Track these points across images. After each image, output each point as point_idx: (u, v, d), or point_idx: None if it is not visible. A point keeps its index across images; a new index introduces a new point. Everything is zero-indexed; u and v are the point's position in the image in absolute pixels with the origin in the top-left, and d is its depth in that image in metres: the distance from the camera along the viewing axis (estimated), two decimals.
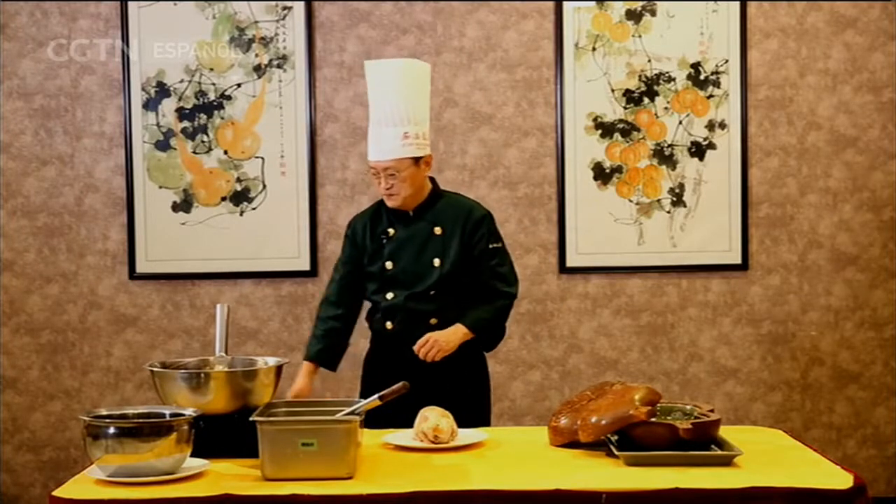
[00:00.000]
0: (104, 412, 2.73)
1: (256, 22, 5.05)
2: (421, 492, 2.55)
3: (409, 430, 3.08)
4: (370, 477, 2.67)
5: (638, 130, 5.08)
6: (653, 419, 2.80)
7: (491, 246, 3.60)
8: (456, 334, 3.52)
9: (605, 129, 5.08)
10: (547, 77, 5.09)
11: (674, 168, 5.09)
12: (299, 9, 5.05)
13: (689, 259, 5.10)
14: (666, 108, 5.08)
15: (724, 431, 2.91)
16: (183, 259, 5.10)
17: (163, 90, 5.07)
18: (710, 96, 5.07)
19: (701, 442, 2.80)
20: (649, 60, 5.07)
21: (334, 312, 3.61)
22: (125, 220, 5.10)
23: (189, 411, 2.73)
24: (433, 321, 3.54)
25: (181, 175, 5.09)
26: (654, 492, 2.54)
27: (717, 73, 5.07)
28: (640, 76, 5.06)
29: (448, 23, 5.10)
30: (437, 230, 3.56)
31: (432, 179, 3.64)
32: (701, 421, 2.84)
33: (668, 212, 5.09)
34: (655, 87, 5.07)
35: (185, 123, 5.07)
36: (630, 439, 2.82)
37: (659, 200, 5.10)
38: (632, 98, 5.07)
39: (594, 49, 5.06)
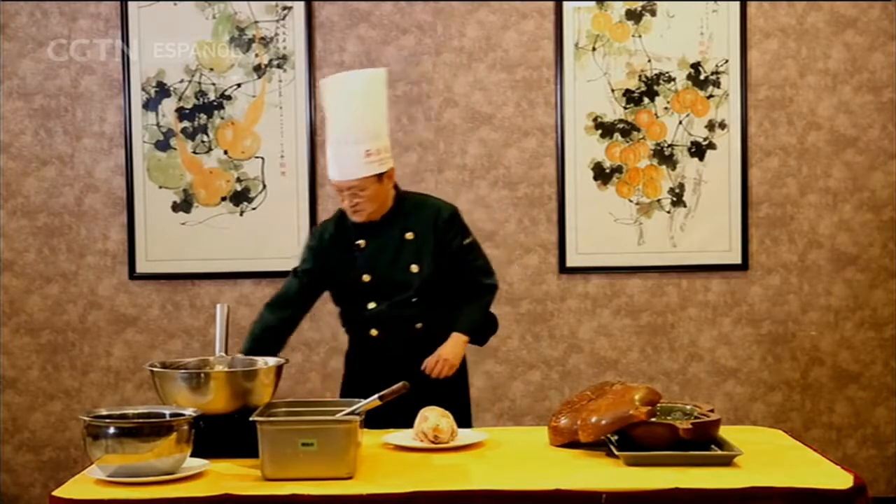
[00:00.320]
0: (104, 412, 2.73)
1: (256, 22, 5.05)
2: (421, 492, 2.55)
3: (409, 430, 3.08)
4: (370, 477, 2.67)
5: (638, 130, 5.08)
6: (653, 419, 2.80)
7: (465, 242, 3.60)
8: (459, 346, 3.54)
9: (605, 129, 5.08)
10: (547, 77, 5.09)
11: (674, 168, 5.09)
12: (299, 9, 5.05)
13: (689, 259, 5.10)
14: (666, 108, 5.08)
15: (724, 431, 2.91)
16: (183, 259, 5.10)
17: (163, 90, 5.07)
18: (710, 96, 5.07)
19: (701, 442, 2.80)
20: (649, 60, 5.07)
21: (279, 314, 3.53)
22: (125, 220, 5.10)
23: (189, 411, 2.73)
24: (419, 326, 3.54)
25: (181, 175, 5.09)
26: (654, 492, 2.54)
27: (717, 73, 5.07)
28: (640, 76, 5.07)
29: (448, 23, 5.10)
30: (409, 235, 3.53)
31: (395, 184, 3.59)
32: (701, 421, 2.84)
33: (668, 212, 5.09)
34: (655, 87, 5.07)
35: (185, 123, 5.08)
36: (630, 439, 2.82)
37: (659, 200, 5.10)
38: (632, 98, 5.07)
39: (594, 49, 5.06)
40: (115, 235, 5.12)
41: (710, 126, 5.08)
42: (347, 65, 5.08)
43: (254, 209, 5.07)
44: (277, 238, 5.06)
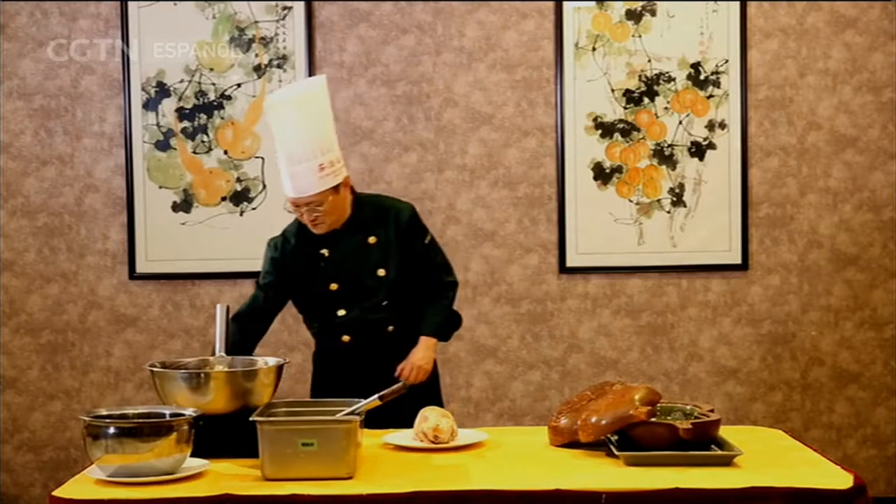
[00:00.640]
0: (104, 412, 2.73)
1: (256, 22, 5.05)
2: (421, 492, 2.55)
3: (409, 430, 3.08)
4: (370, 477, 2.67)
5: (638, 130, 5.08)
6: (653, 419, 2.80)
7: (426, 241, 3.60)
8: (430, 350, 3.55)
9: (605, 129, 5.08)
10: (547, 77, 5.09)
11: (674, 168, 5.09)
12: (299, 9, 5.05)
13: (689, 259, 5.10)
14: (666, 108, 5.08)
15: (724, 431, 2.91)
16: (183, 259, 5.10)
17: (163, 90, 5.07)
18: (710, 96, 5.07)
19: (701, 442, 2.80)
20: (649, 60, 5.07)
21: (244, 329, 3.46)
22: (125, 220, 5.10)
23: (189, 411, 2.73)
24: (390, 329, 3.55)
25: (181, 175, 5.09)
26: (654, 492, 2.54)
27: (717, 73, 5.07)
28: (640, 76, 5.07)
29: (448, 23, 5.10)
30: (371, 239, 3.52)
31: (351, 187, 3.55)
32: (701, 421, 2.84)
33: (668, 212, 5.09)
34: (655, 87, 5.07)
35: (185, 123, 5.08)
36: (630, 439, 2.82)
37: (659, 200, 5.10)
38: (632, 98, 5.07)
39: (594, 49, 5.06)
40: (115, 235, 5.12)
41: (710, 126, 5.08)
42: (347, 65, 5.08)
43: (254, 209, 5.07)
44: None
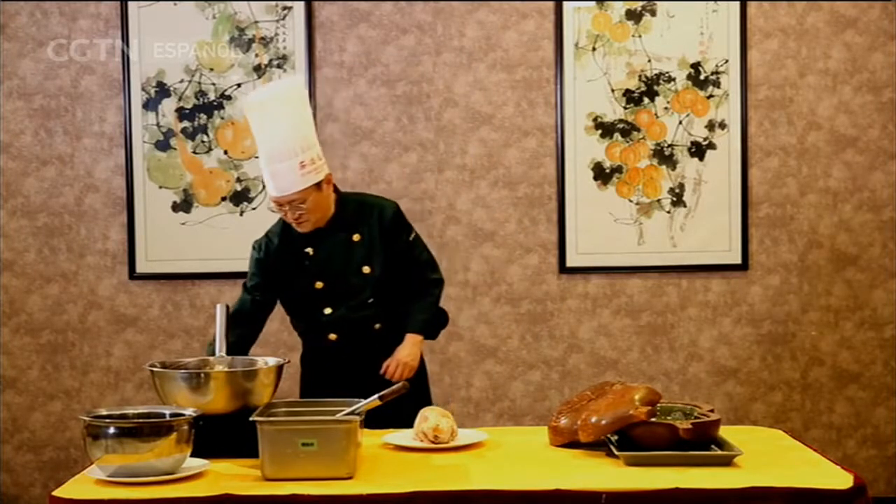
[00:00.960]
0: (104, 412, 2.73)
1: (256, 22, 5.05)
2: (421, 492, 2.55)
3: (409, 430, 3.08)
4: (370, 477, 2.67)
5: (638, 130, 5.08)
6: (653, 419, 2.80)
7: (410, 238, 3.60)
8: (415, 346, 3.55)
9: (605, 129, 5.08)
10: (547, 77, 5.09)
11: (674, 168, 5.09)
12: (299, 9, 5.05)
13: (689, 259, 5.10)
14: (666, 108, 5.08)
15: (724, 431, 2.91)
16: (183, 259, 5.10)
17: (163, 90, 5.07)
18: (710, 96, 5.07)
19: (701, 442, 2.80)
20: (649, 60, 5.07)
21: (235, 333, 3.39)
22: (125, 220, 5.10)
23: (189, 411, 2.73)
24: (377, 326, 3.55)
25: (181, 175, 5.09)
26: (654, 492, 2.54)
27: (717, 73, 5.07)
28: (640, 76, 5.07)
29: (448, 23, 5.10)
30: (356, 237, 3.52)
31: (334, 185, 3.55)
32: (701, 421, 2.84)
33: (668, 212, 5.09)
34: (655, 87, 5.07)
35: (185, 123, 5.08)
36: (630, 439, 2.82)
37: (659, 200, 5.10)
38: (632, 98, 5.07)
39: (594, 49, 5.06)
40: (115, 235, 5.12)
41: (710, 126, 5.08)
42: (347, 65, 5.08)
43: (254, 209, 5.07)
44: None
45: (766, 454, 2.86)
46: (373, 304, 3.53)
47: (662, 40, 5.07)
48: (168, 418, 2.69)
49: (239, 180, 5.07)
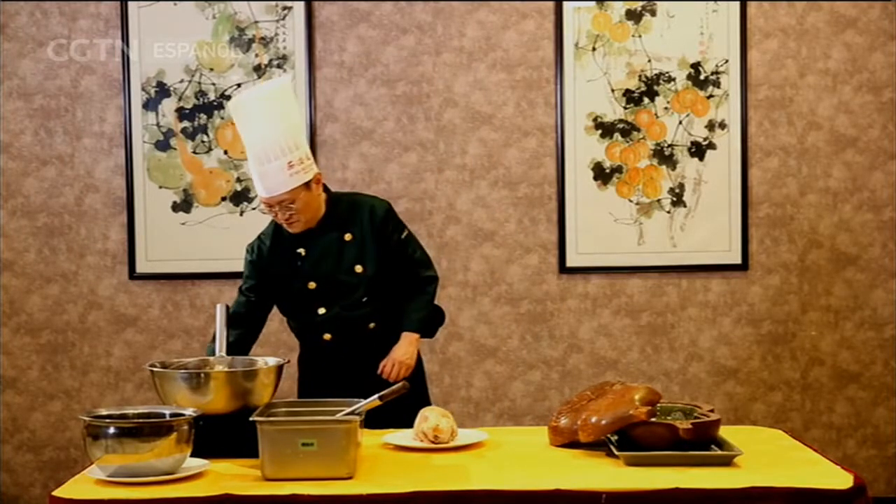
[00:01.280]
0: (104, 412, 2.73)
1: (256, 22, 5.06)
2: (421, 492, 2.55)
3: (409, 430, 3.08)
4: (370, 477, 2.67)
5: (638, 130, 5.08)
6: (653, 419, 2.80)
7: (403, 236, 3.59)
8: (412, 345, 3.55)
9: (605, 129, 5.08)
10: (547, 77, 5.09)
11: (674, 168, 5.09)
12: (299, 9, 5.05)
13: (689, 259, 5.10)
14: (666, 108, 5.08)
15: (724, 431, 2.91)
16: (183, 259, 5.10)
17: (163, 90, 5.07)
18: (710, 96, 5.07)
19: (701, 442, 2.80)
20: (649, 60, 5.07)
21: (232, 335, 3.41)
22: (125, 220, 5.10)
23: (189, 411, 2.73)
24: (372, 325, 3.54)
25: (181, 175, 5.09)
26: (654, 492, 2.54)
27: (717, 73, 5.07)
28: (640, 76, 5.07)
29: (448, 23, 5.10)
30: (347, 237, 3.52)
31: (324, 185, 3.55)
32: (701, 421, 2.84)
33: (668, 212, 5.09)
34: (655, 87, 5.07)
35: (185, 123, 5.08)
36: (630, 439, 2.82)
37: (659, 200, 5.10)
38: (632, 98, 5.07)
39: (594, 49, 5.06)
40: (115, 235, 5.12)
41: (710, 126, 5.08)
42: (347, 65, 5.08)
43: (254, 209, 5.07)
44: None
45: (766, 454, 2.86)
46: (367, 304, 3.53)
47: (662, 40, 5.07)
48: (168, 418, 2.69)
49: (239, 180, 5.07)
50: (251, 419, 2.69)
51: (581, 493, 2.54)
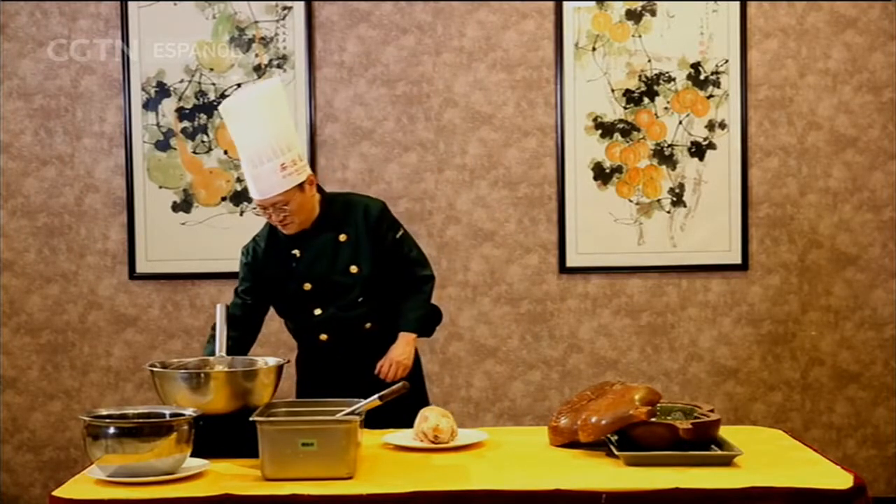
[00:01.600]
0: (104, 412, 2.73)
1: (256, 22, 5.06)
2: (421, 492, 2.55)
3: (409, 430, 3.08)
4: (370, 477, 2.67)
5: (638, 130, 5.08)
6: (653, 419, 2.80)
7: (398, 236, 3.59)
8: (409, 345, 3.55)
9: (605, 129, 5.08)
10: (547, 77, 5.09)
11: (674, 168, 5.09)
12: (299, 9, 5.05)
13: (689, 259, 5.10)
14: (666, 108, 5.08)
15: (724, 431, 2.91)
16: (183, 259, 5.10)
17: (163, 90, 5.07)
18: (710, 96, 5.07)
19: (701, 442, 2.80)
20: (649, 60, 5.07)
21: (232, 336, 3.38)
22: (125, 220, 5.10)
23: (189, 411, 2.73)
24: (368, 326, 3.54)
25: (181, 175, 5.09)
26: (654, 492, 2.54)
27: (717, 73, 5.07)
28: (640, 76, 5.07)
29: (448, 23, 5.10)
30: (342, 237, 3.52)
31: (317, 186, 3.55)
32: (701, 421, 2.84)
33: (668, 212, 5.09)
34: (655, 87, 5.07)
35: (185, 123, 5.08)
36: (630, 439, 2.82)
37: (659, 200, 5.10)
38: (632, 98, 5.07)
39: (594, 49, 5.06)
40: (115, 235, 5.12)
41: (710, 126, 5.08)
42: (347, 65, 5.08)
43: (254, 209, 5.06)
44: None
45: (766, 454, 2.86)
46: (362, 304, 3.53)
47: (662, 40, 5.07)
48: (168, 418, 2.69)
49: (239, 180, 5.07)
50: (251, 419, 2.69)
51: (581, 493, 2.54)
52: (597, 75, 5.06)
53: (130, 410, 2.78)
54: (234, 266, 5.06)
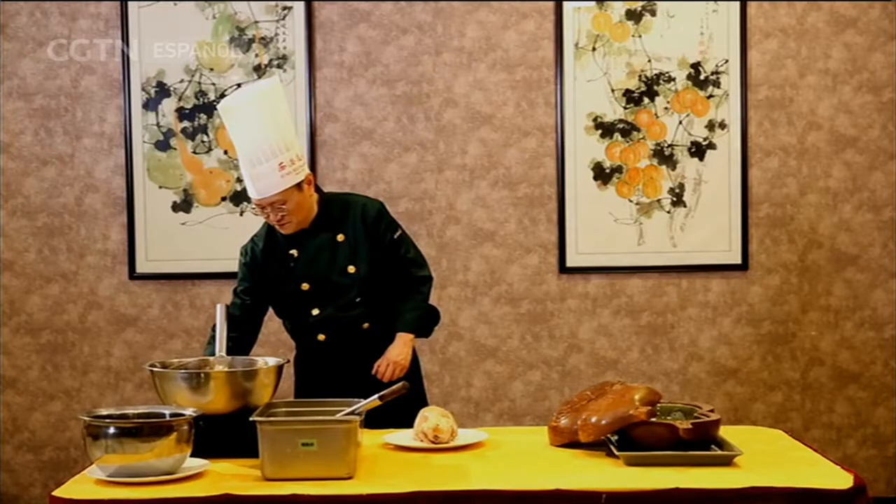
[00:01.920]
0: (104, 412, 2.73)
1: (256, 22, 5.06)
2: (421, 492, 2.55)
3: (409, 430, 3.08)
4: (370, 477, 2.68)
5: (638, 130, 5.08)
6: (653, 419, 2.80)
7: (395, 236, 3.59)
8: (406, 346, 3.54)
9: (605, 129, 5.08)
10: (547, 77, 5.09)
11: (674, 168, 5.09)
12: (299, 9, 5.05)
13: (689, 259, 5.10)
14: (666, 108, 5.08)
15: (724, 431, 2.91)
16: (183, 259, 5.10)
17: (163, 90, 5.07)
18: (710, 96, 5.07)
19: (701, 442, 2.80)
20: (649, 60, 5.07)
21: (231, 336, 3.37)
22: (125, 220, 5.10)
23: (189, 411, 2.73)
24: (365, 326, 3.54)
25: (181, 175, 5.09)
26: (654, 492, 2.54)
27: (717, 73, 5.07)
28: (640, 76, 5.07)
29: (448, 23, 5.10)
30: (340, 237, 3.52)
31: (316, 186, 3.55)
32: (701, 421, 2.84)
33: (668, 212, 5.09)
34: (655, 87, 5.07)
35: (185, 123, 5.08)
36: (630, 439, 2.82)
37: (659, 200, 5.10)
38: (632, 98, 5.07)
39: (594, 49, 5.06)
40: (115, 235, 5.12)
41: (710, 126, 5.08)
42: (347, 65, 5.08)
43: (253, 209, 5.06)
44: None
45: (766, 454, 2.86)
46: (360, 304, 3.52)
47: (662, 40, 5.07)
48: (168, 418, 2.69)
49: (239, 180, 5.07)
50: (251, 419, 2.69)
51: (581, 493, 2.54)
52: (597, 75, 5.06)
53: (130, 410, 2.78)
54: (234, 266, 5.06)
